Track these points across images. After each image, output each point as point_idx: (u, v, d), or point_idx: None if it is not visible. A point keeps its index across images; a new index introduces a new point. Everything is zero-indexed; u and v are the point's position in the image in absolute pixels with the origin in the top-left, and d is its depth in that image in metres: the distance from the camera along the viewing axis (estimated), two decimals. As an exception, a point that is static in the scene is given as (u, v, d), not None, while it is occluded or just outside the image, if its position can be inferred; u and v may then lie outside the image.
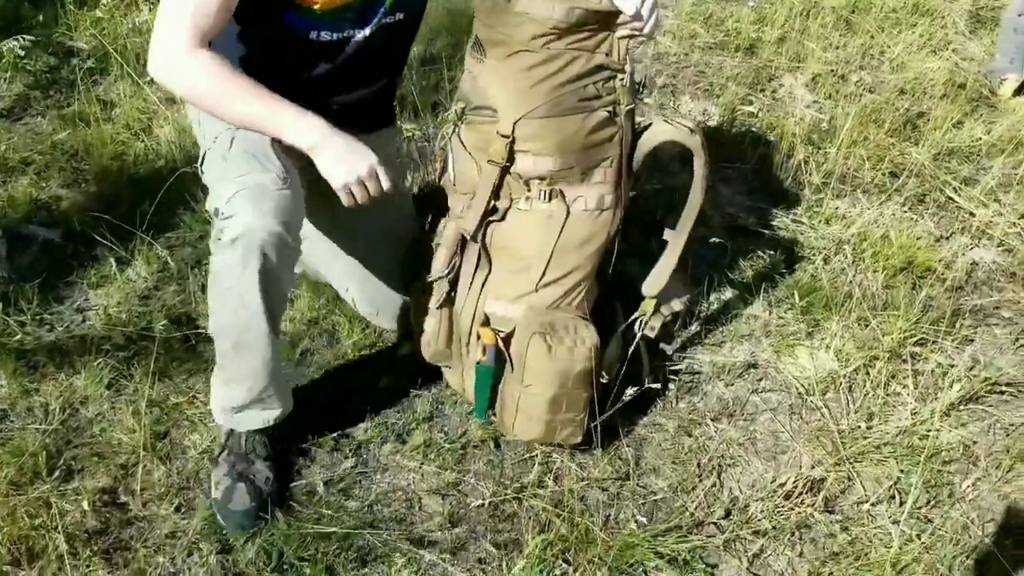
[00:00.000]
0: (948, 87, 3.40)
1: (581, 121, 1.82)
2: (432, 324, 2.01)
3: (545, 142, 1.82)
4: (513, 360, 1.90)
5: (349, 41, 1.80)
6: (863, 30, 3.72)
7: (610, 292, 2.23)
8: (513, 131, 1.81)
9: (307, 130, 1.64)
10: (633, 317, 2.10)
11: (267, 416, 1.89)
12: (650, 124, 1.95)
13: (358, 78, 1.90)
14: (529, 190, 1.87)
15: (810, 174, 2.88)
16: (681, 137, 1.94)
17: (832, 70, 3.41)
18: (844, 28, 3.75)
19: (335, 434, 2.04)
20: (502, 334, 1.93)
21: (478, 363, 1.94)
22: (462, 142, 1.95)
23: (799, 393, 2.24)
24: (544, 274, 1.91)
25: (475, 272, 1.95)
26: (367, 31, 1.80)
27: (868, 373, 2.27)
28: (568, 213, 1.88)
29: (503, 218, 1.92)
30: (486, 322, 1.97)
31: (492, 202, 1.89)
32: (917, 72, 3.49)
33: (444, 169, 2.04)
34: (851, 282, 2.52)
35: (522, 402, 1.90)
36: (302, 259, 2.25)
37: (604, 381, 2.01)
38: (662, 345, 2.30)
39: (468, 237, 1.92)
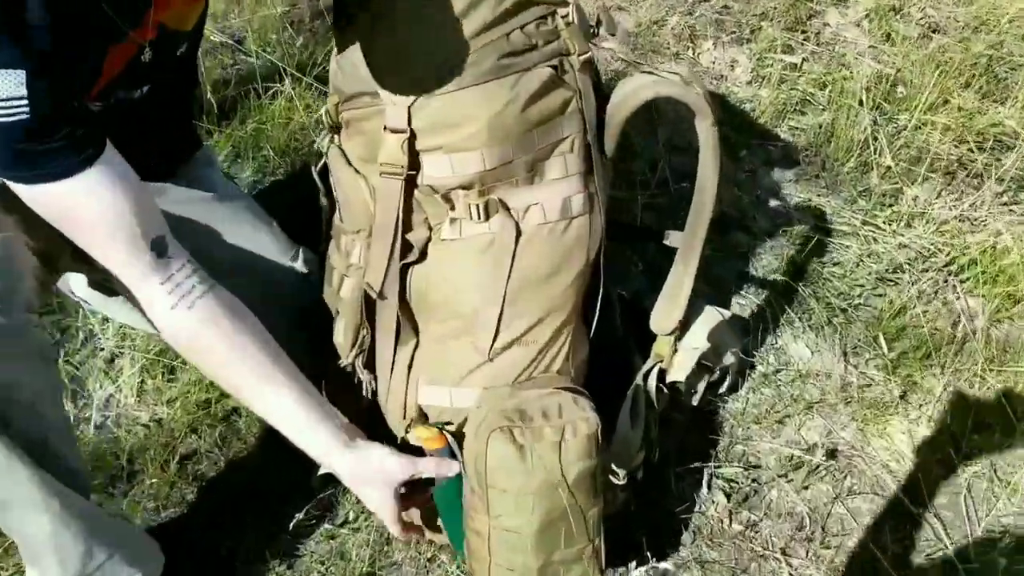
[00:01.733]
0: (1030, 23, 2.67)
1: (511, 87, 1.16)
2: None
3: (462, 129, 1.16)
4: (471, 479, 1.22)
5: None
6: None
7: (620, 337, 1.56)
8: (409, 120, 1.15)
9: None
10: (645, 368, 1.42)
11: None
12: (624, 80, 1.30)
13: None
14: (453, 208, 1.19)
15: (879, 153, 2.16)
16: (673, 91, 1.26)
17: (889, 5, 2.66)
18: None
19: (228, 604, 1.35)
20: (451, 427, 1.27)
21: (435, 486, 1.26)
22: (344, 154, 1.28)
23: (900, 499, 1.57)
24: (497, 333, 1.24)
25: (396, 347, 1.27)
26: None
27: (993, 465, 1.61)
28: (518, 233, 1.22)
29: (422, 257, 1.23)
30: (424, 419, 1.29)
31: (400, 237, 1.20)
32: (985, 2, 2.75)
33: (332, 202, 1.34)
34: (952, 315, 1.84)
35: (496, 544, 1.22)
36: None
37: (620, 482, 1.34)
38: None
39: (375, 295, 1.24)
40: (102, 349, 1.67)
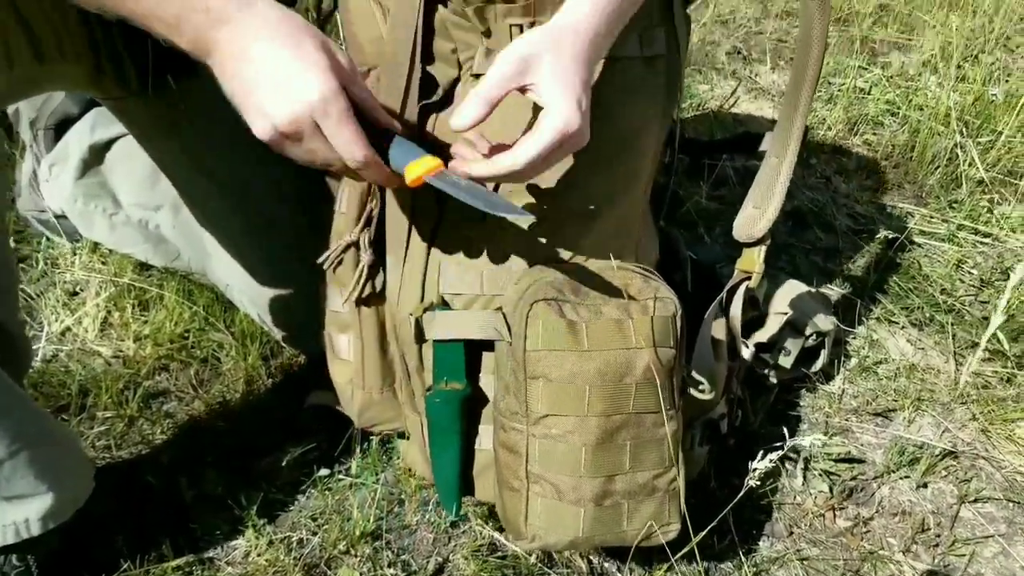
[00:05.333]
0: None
1: None
2: (348, 345, 1.03)
3: None
4: (505, 373, 0.92)
5: None
6: (981, 11, 2.80)
7: (689, 295, 1.28)
8: None
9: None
10: (729, 285, 1.12)
11: (15, 516, 0.88)
12: None
13: None
14: (489, 34, 0.88)
15: (968, 164, 1.92)
16: None
17: (966, 46, 2.48)
18: (951, 7, 2.84)
19: (187, 559, 1.02)
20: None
21: (429, 391, 0.95)
22: None
23: (1042, 505, 1.25)
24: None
25: (412, 221, 0.95)
26: None
27: None
28: None
29: (446, 101, 0.92)
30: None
31: (419, 68, 0.89)
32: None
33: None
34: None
35: (537, 462, 0.90)
36: (174, 248, 1.31)
37: (706, 396, 1.02)
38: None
39: None
40: (65, 282, 1.38)
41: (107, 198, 1.34)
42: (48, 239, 1.45)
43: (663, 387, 0.89)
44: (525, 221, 0.85)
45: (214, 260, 1.25)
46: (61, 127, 1.36)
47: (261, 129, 0.69)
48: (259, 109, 0.68)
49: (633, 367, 0.88)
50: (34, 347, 1.28)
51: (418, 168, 0.76)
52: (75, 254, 1.42)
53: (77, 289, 1.38)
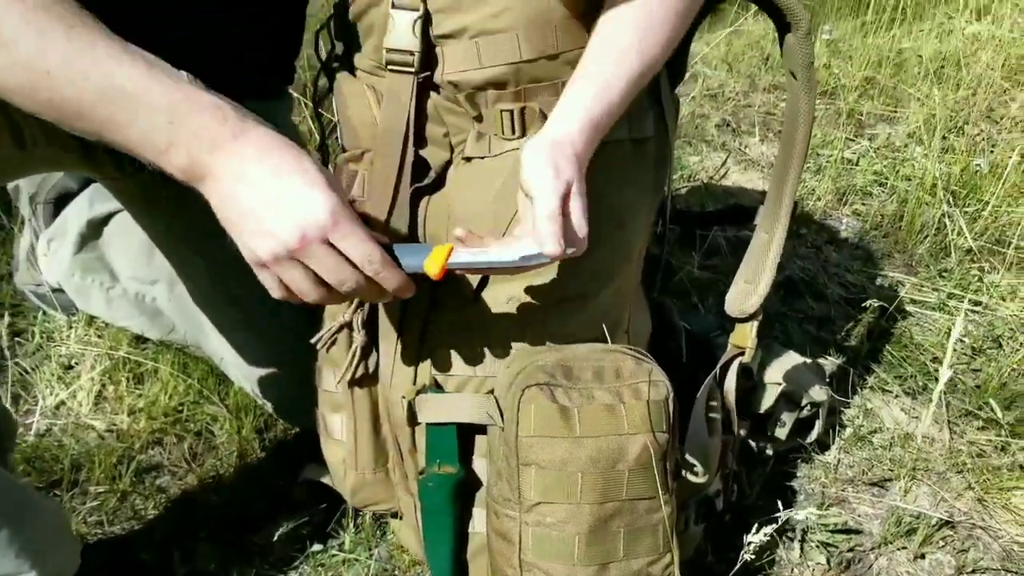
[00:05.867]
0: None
1: None
2: (342, 425, 1.02)
3: (491, 3, 0.85)
4: (497, 459, 0.92)
5: None
6: (965, 84, 2.86)
7: (685, 365, 1.29)
8: None
9: (192, 129, 0.67)
10: (723, 360, 1.11)
11: None
12: None
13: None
14: (480, 119, 0.91)
15: (957, 233, 1.95)
16: None
17: (951, 118, 2.52)
18: (935, 80, 2.90)
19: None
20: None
21: (421, 474, 0.96)
22: (353, 67, 0.98)
23: (1042, 575, 1.24)
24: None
25: (406, 304, 0.95)
26: None
27: None
28: None
29: (439, 184, 0.94)
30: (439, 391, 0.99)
31: (411, 151, 0.91)
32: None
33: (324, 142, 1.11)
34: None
35: (530, 550, 0.90)
36: (170, 321, 1.32)
37: (700, 479, 1.04)
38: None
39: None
40: (61, 355, 1.39)
41: (104, 272, 1.35)
42: (44, 313, 1.45)
43: (657, 472, 0.90)
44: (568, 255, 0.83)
45: (209, 334, 1.26)
46: (60, 202, 1.38)
47: (269, 249, 0.68)
48: (264, 230, 0.68)
49: (625, 453, 0.88)
50: (28, 421, 1.28)
51: (439, 257, 0.77)
52: (71, 327, 1.43)
53: (72, 363, 1.38)
